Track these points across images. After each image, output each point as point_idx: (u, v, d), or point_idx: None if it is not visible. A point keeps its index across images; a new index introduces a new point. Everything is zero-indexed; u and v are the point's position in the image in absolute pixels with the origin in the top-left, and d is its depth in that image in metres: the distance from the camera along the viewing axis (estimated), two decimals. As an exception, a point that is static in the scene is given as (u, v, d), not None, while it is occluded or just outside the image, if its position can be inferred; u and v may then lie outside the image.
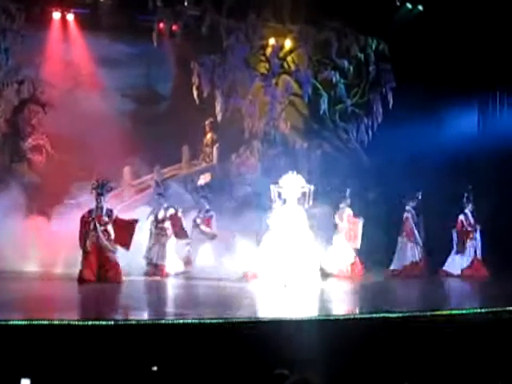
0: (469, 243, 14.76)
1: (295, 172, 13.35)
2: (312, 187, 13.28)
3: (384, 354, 8.28)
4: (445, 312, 10.20)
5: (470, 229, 14.77)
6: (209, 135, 17.46)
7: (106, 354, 7.98)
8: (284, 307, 11.32)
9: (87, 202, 14.01)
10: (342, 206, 14.10)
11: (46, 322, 8.63)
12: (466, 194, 14.67)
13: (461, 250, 14.61)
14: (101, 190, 12.96)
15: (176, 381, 7.29)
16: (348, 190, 14.21)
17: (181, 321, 9.45)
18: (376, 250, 14.83)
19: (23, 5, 15.47)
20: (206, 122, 17.37)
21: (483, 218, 15.11)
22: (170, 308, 11.21)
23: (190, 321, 9.37)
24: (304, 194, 13.27)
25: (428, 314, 10.10)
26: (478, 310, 10.36)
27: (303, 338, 8.85)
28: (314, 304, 11.76)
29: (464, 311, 10.23)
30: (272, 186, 13.27)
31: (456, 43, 16.28)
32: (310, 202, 13.29)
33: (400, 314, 9.94)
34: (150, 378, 7.31)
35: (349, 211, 14.33)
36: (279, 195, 13.27)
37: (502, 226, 15.20)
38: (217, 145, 17.30)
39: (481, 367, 7.43)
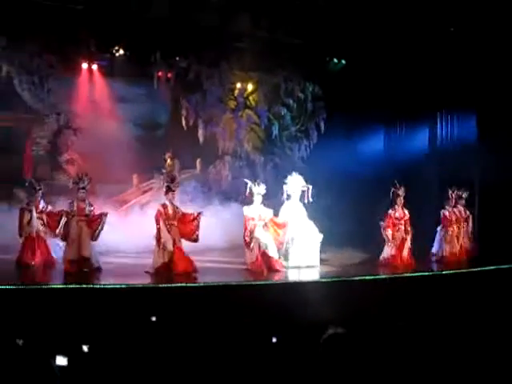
0: None
1: (297, 173, 13.74)
2: (310, 186, 13.47)
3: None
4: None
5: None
6: (169, 161, 18.52)
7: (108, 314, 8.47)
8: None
9: (109, 200, 15.70)
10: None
11: (33, 287, 9.68)
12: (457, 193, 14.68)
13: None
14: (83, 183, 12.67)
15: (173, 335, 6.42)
16: None
17: (178, 284, 10.77)
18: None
19: (61, 58, 17.10)
20: (167, 153, 18.44)
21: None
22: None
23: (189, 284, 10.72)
24: (303, 191, 13.48)
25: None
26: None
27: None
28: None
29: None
30: (284, 185, 13.68)
31: (369, 86, 18.25)
32: (310, 199, 13.44)
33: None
34: (149, 329, 6.84)
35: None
36: (286, 192, 13.57)
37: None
38: (199, 159, 19.08)
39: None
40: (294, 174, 13.66)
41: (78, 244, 12.35)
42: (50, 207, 13.21)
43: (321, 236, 13.17)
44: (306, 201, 13.43)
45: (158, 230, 12.29)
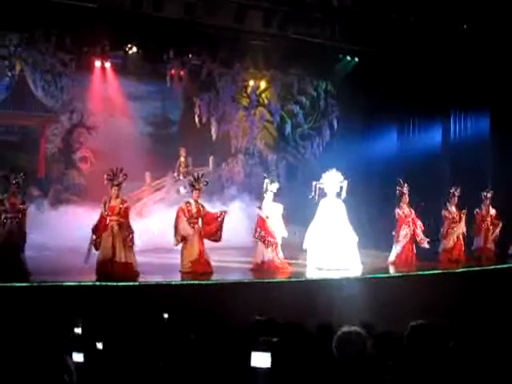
0: None
1: (334, 169, 13.20)
2: (346, 182, 12.97)
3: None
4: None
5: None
6: (182, 158, 19.05)
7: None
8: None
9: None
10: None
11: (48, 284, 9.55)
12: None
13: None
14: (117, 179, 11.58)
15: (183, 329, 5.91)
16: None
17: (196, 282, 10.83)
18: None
19: (74, 56, 17.49)
20: (182, 149, 18.92)
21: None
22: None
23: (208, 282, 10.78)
24: (341, 187, 12.98)
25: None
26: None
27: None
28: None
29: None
30: (314, 183, 13.10)
31: (381, 85, 18.52)
32: (344, 194, 12.98)
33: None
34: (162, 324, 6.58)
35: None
36: (320, 189, 13.02)
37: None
38: (212, 157, 19.43)
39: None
40: (330, 170, 13.26)
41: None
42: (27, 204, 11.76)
43: (356, 238, 12.97)
44: (341, 197, 13.11)
45: (177, 226, 12.03)
